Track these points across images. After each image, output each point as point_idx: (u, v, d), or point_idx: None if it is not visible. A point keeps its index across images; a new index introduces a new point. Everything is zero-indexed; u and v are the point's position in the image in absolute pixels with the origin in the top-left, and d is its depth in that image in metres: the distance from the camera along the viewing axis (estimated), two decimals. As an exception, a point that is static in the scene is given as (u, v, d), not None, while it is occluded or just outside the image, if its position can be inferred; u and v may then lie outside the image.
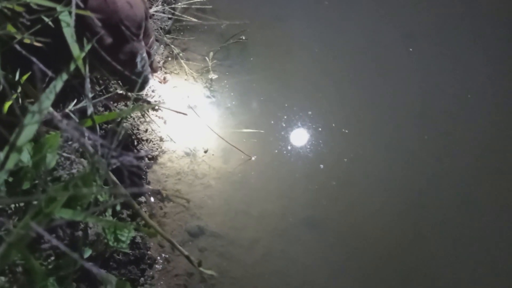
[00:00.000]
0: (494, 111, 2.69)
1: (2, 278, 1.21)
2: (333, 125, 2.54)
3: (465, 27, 2.97)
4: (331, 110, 2.58)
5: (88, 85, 1.19)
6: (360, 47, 2.82)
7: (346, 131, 2.53)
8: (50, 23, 1.14)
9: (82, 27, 1.16)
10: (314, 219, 2.30)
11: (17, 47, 0.99)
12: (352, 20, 2.90)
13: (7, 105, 1.28)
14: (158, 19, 2.40)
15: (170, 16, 2.42)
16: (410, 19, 2.96)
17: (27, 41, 1.13)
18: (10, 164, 0.85)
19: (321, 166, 2.42)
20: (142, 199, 2.09)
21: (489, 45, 2.92)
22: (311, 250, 2.25)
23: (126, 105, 2.17)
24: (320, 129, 2.51)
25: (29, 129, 0.90)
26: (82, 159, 1.56)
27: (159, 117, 2.32)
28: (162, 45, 2.42)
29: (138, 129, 2.21)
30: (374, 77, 2.74)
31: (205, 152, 2.32)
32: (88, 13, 1.11)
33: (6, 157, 0.85)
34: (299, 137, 2.48)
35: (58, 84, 1.03)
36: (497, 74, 2.83)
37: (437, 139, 2.58)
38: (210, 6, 2.49)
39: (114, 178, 1.32)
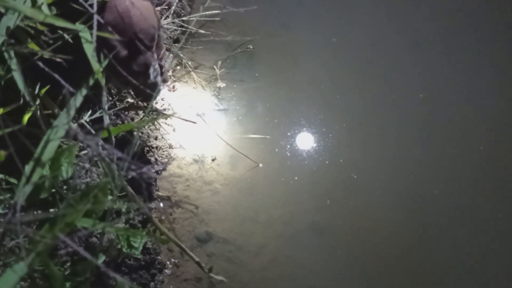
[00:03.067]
0: (498, 119, 2.73)
1: (22, 283, 1.26)
2: (339, 131, 2.58)
3: (470, 37, 3.00)
4: (337, 116, 2.62)
5: (104, 98, 1.24)
6: (366, 55, 2.86)
7: (352, 138, 2.57)
8: (70, 40, 1.19)
9: (99, 41, 1.20)
10: (320, 225, 2.34)
11: (40, 64, 1.04)
12: (358, 29, 2.94)
13: (26, 117, 1.34)
14: (167, 29, 2.45)
15: (179, 28, 2.47)
16: (416, 28, 3.00)
17: (46, 56, 1.19)
18: (35, 178, 0.91)
19: (327, 173, 2.46)
20: (152, 205, 2.14)
21: (493, 55, 2.95)
22: (317, 255, 2.29)
23: (137, 113, 2.23)
24: (326, 135, 2.55)
25: (53, 144, 0.95)
26: (96, 168, 1.61)
27: (168, 125, 2.37)
28: (171, 55, 2.47)
29: (148, 137, 2.26)
30: (379, 84, 2.77)
31: (213, 160, 2.37)
32: (109, 35, 1.16)
33: (32, 171, 0.90)
34: (306, 143, 2.52)
35: (78, 99, 1.08)
36: (502, 83, 2.86)
37: (441, 147, 2.61)
38: (219, 18, 2.53)
39: (131, 190, 1.37)
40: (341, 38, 2.90)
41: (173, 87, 2.46)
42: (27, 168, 0.92)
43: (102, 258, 1.52)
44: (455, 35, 3.00)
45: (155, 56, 1.68)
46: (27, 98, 1.08)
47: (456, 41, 2.98)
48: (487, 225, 2.44)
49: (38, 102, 1.39)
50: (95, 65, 1.13)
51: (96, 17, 1.15)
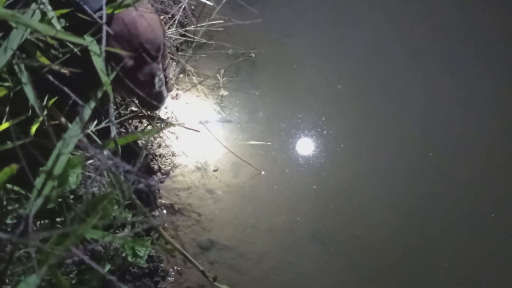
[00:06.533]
0: (497, 128, 2.75)
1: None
2: (340, 138, 2.59)
3: (469, 44, 3.02)
4: (338, 122, 2.64)
5: (112, 109, 1.25)
6: (365, 63, 2.88)
7: (353, 144, 2.59)
8: (78, 53, 1.21)
9: (107, 53, 1.22)
10: (322, 232, 2.35)
11: (50, 77, 1.06)
12: (358, 37, 2.96)
13: (34, 128, 1.35)
14: (170, 38, 2.48)
15: (182, 37, 2.49)
16: (415, 36, 3.02)
17: (55, 68, 1.21)
18: (46, 191, 0.92)
19: (328, 180, 2.48)
20: (156, 213, 2.16)
21: (492, 64, 2.97)
22: (318, 263, 2.30)
23: (140, 122, 2.25)
24: (327, 142, 2.57)
25: (63, 157, 0.96)
26: (102, 177, 1.62)
27: (171, 133, 2.39)
28: (175, 64, 2.49)
29: (152, 145, 2.28)
30: (379, 91, 2.79)
31: (215, 170, 2.38)
32: (119, 50, 1.17)
33: (43, 184, 0.91)
34: (307, 150, 2.54)
35: (86, 112, 1.10)
36: (501, 92, 2.88)
37: (440, 154, 2.63)
38: (222, 28, 2.56)
39: (138, 202, 1.39)
40: (341, 45, 2.92)
41: (177, 95, 2.48)
42: (38, 181, 0.93)
43: (107, 267, 1.53)
44: (454, 43, 3.02)
45: (161, 66, 1.70)
46: (37, 110, 1.09)
47: (455, 49, 3.00)
48: (487, 231, 2.46)
49: (45, 113, 1.41)
50: (104, 78, 1.14)
51: (105, 28, 1.17)
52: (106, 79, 1.17)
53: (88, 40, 1.13)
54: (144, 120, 2.28)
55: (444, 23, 3.11)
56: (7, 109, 1.25)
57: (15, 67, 1.11)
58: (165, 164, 2.31)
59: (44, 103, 1.36)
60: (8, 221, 1.22)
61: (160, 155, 2.30)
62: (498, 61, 3.00)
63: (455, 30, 3.09)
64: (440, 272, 2.34)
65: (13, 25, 1.05)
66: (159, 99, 1.80)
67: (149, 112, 2.02)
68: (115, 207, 1.26)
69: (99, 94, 1.16)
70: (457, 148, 2.67)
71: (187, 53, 2.53)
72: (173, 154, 2.36)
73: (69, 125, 1.17)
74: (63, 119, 1.47)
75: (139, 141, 2.14)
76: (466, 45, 3.03)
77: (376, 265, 2.32)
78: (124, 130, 2.13)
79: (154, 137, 2.32)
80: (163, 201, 2.22)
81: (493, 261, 2.40)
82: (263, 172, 2.43)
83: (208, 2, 2.37)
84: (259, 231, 2.32)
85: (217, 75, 2.59)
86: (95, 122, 1.58)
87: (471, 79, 2.91)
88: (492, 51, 3.03)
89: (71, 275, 1.43)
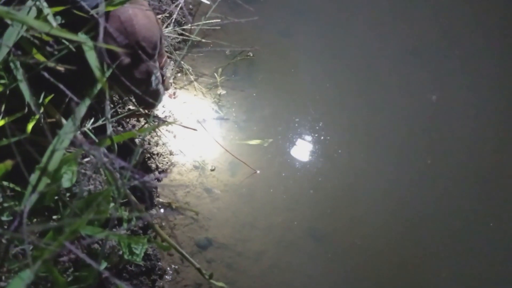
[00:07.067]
0: (502, 132, 2.73)
1: (25, 290, 1.27)
2: (339, 139, 2.59)
3: (471, 41, 3.01)
4: (337, 123, 2.64)
5: (108, 107, 1.26)
6: (365, 63, 2.87)
7: (352, 146, 2.59)
8: (73, 49, 1.21)
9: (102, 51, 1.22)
10: (319, 232, 2.35)
11: (46, 74, 1.06)
12: (357, 36, 2.96)
13: (30, 125, 1.36)
14: (168, 37, 2.48)
15: (180, 36, 2.49)
16: (414, 35, 3.01)
17: (50, 65, 1.21)
18: (41, 187, 0.92)
19: (327, 180, 2.48)
20: (153, 212, 2.16)
21: (496, 63, 2.95)
22: (316, 262, 2.30)
23: (138, 120, 2.25)
24: (325, 142, 2.57)
25: (58, 154, 0.97)
26: (98, 175, 1.63)
27: (169, 132, 2.39)
28: (172, 62, 2.50)
29: (149, 144, 2.28)
30: (380, 91, 2.78)
31: (212, 170, 2.38)
32: (114, 47, 1.17)
33: (38, 180, 0.91)
34: (304, 150, 2.54)
35: (82, 109, 1.10)
36: (505, 93, 2.86)
37: (442, 159, 2.62)
38: (219, 27, 2.56)
39: (134, 198, 1.39)
40: (339, 47, 2.92)
41: (174, 94, 2.49)
42: (33, 177, 0.94)
43: (104, 265, 1.53)
44: (455, 40, 3.01)
45: (157, 64, 1.70)
46: (33, 107, 1.09)
47: (456, 47, 2.99)
48: (489, 237, 2.46)
49: (42, 110, 1.41)
50: (99, 75, 1.14)
51: (102, 23, 1.17)
52: (100, 76, 1.17)
53: (82, 37, 1.13)
54: (141, 119, 2.28)
55: (445, 21, 3.09)
56: (3, 106, 1.26)
57: (11, 64, 1.11)
58: (162, 163, 2.31)
59: (41, 100, 1.37)
60: (4, 218, 1.22)
61: (157, 154, 2.30)
62: (502, 59, 2.97)
63: (457, 27, 3.07)
64: (441, 279, 2.34)
65: (9, 22, 1.06)
66: (156, 97, 1.80)
67: (146, 110, 2.02)
68: (111, 204, 1.26)
69: (95, 92, 1.16)
70: (463, 155, 2.66)
71: (184, 52, 2.53)
72: (171, 153, 2.36)
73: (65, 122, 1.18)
74: (59, 117, 1.47)
75: (136, 140, 2.14)
76: (468, 42, 3.01)
77: (375, 268, 2.33)
78: (121, 129, 2.13)
79: (151, 136, 2.32)
80: (160, 200, 2.22)
81: (493, 269, 2.40)
82: (258, 171, 2.43)
83: (205, 1, 2.37)
84: (257, 230, 2.32)
85: (215, 74, 2.59)
86: (92, 120, 1.59)
87: (473, 77, 2.89)
88: (495, 48, 3.00)
89: (67, 272, 1.43)
